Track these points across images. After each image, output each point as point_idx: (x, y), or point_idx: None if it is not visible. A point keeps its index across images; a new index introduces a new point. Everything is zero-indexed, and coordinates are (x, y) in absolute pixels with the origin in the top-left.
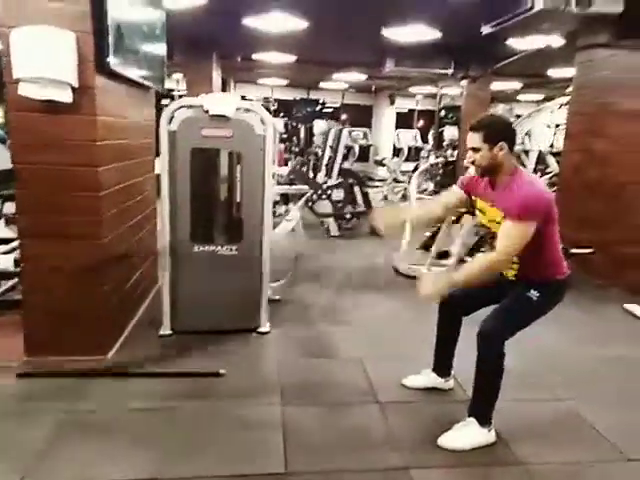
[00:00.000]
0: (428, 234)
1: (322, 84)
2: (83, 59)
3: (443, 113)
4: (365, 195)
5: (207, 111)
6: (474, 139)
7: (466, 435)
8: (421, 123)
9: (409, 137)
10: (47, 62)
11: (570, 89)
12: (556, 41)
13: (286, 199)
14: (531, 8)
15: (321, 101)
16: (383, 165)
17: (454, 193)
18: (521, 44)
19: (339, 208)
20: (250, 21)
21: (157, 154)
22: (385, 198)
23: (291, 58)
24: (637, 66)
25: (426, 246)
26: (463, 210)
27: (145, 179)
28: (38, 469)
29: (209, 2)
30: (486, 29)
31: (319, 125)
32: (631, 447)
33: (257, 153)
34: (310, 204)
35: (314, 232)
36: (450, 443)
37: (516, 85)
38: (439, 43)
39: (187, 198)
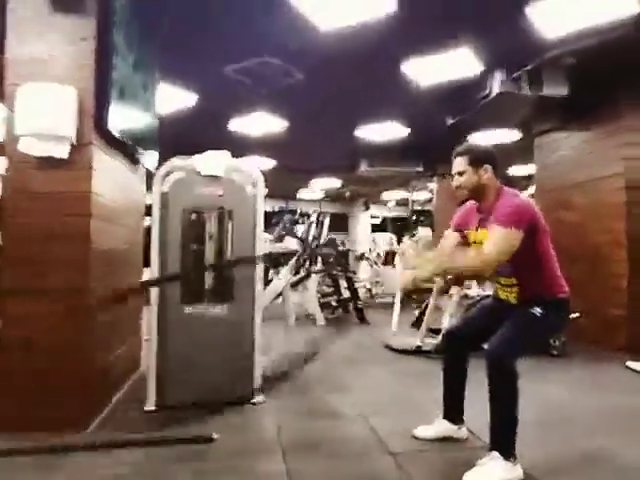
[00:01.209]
0: (417, 312)
1: (300, 194)
2: (83, 114)
3: (415, 217)
4: (349, 280)
5: (199, 172)
6: (459, 163)
7: (492, 470)
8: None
9: (385, 240)
10: (48, 118)
11: (532, 187)
12: (514, 135)
13: (276, 263)
14: (490, 92)
15: (299, 211)
16: (365, 259)
17: (450, 236)
18: (482, 139)
19: (330, 266)
20: (235, 124)
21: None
22: (369, 292)
23: (271, 163)
24: (585, 143)
25: (418, 324)
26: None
27: (133, 248)
28: None
29: (197, 104)
30: (450, 120)
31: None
32: None
33: (248, 211)
34: (302, 262)
35: (300, 322)
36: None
37: None
38: (408, 142)
39: (178, 258)
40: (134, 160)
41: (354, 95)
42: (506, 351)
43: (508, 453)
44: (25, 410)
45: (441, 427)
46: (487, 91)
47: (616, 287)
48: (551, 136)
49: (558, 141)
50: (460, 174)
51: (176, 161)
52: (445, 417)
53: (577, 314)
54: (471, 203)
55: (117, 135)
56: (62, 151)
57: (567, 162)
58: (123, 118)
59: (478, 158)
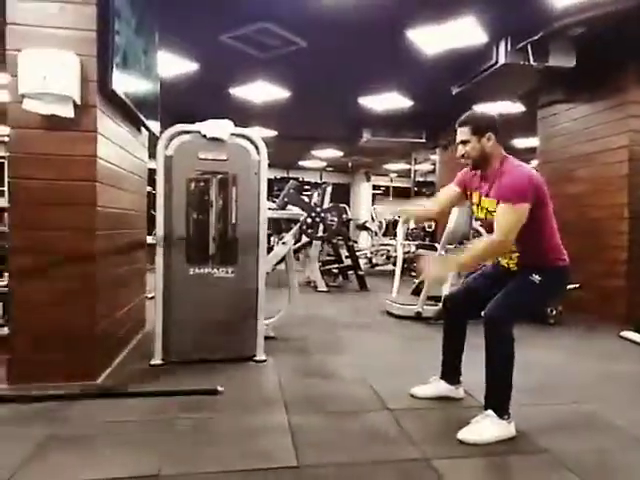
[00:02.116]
0: (417, 281)
1: (301, 163)
2: (86, 79)
3: (417, 188)
4: (350, 248)
5: (204, 135)
6: (463, 132)
7: (486, 428)
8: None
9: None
10: (51, 79)
11: (535, 161)
12: (518, 107)
13: (278, 229)
14: (496, 63)
15: (300, 179)
16: (366, 229)
17: (451, 190)
18: (487, 109)
19: (333, 232)
20: (237, 91)
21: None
22: (370, 261)
23: (273, 133)
24: (590, 116)
25: (417, 291)
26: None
27: (138, 214)
28: (26, 473)
29: (199, 69)
30: (456, 89)
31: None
32: None
33: (252, 176)
34: (305, 228)
35: (301, 289)
36: (470, 436)
37: None
38: (411, 112)
39: (183, 221)
40: (137, 125)
41: (358, 64)
42: (503, 315)
43: (502, 411)
44: (35, 362)
45: (438, 387)
46: (493, 61)
47: (615, 259)
48: (555, 108)
49: (562, 113)
50: (464, 143)
51: (180, 125)
52: (442, 377)
53: (576, 285)
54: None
55: (121, 98)
56: (67, 111)
57: (571, 134)
58: (126, 82)
59: (481, 126)
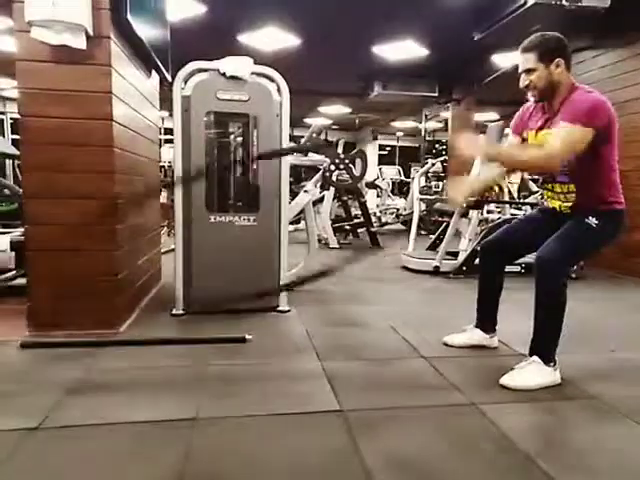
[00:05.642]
0: (434, 236)
1: (306, 120)
2: (98, 6)
3: (427, 147)
4: (363, 205)
5: (223, 73)
6: (528, 59)
7: (530, 374)
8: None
9: (392, 172)
10: (61, 4)
11: None
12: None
13: (298, 178)
14: (524, 3)
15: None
16: (376, 187)
17: (512, 143)
18: (504, 60)
19: (358, 179)
20: (245, 38)
21: None
22: (379, 220)
23: None
24: (620, 62)
25: (434, 246)
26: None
27: (151, 164)
28: (60, 415)
29: (205, 14)
30: (478, 34)
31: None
32: None
33: (274, 118)
34: (328, 175)
35: None
36: (514, 382)
37: (494, 116)
38: (425, 63)
39: (202, 165)
40: (149, 67)
41: (375, 5)
42: (558, 258)
43: (548, 358)
44: (55, 311)
45: (473, 335)
46: (522, 1)
47: (638, 212)
48: (582, 55)
49: (589, 60)
50: (529, 72)
51: (197, 63)
52: (478, 325)
53: None
54: (532, 103)
55: (135, 31)
56: (79, 42)
57: (598, 83)
58: (139, 17)
59: (549, 51)
